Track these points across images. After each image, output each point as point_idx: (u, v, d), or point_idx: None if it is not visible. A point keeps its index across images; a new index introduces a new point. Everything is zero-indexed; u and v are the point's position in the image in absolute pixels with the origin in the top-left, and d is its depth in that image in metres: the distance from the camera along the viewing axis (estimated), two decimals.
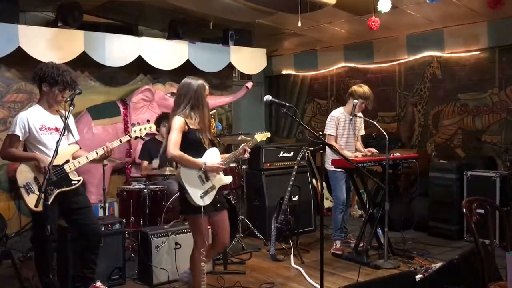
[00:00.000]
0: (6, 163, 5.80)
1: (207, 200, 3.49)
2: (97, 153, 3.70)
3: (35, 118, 3.59)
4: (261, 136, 4.01)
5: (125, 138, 3.92)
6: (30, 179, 3.51)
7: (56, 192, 3.55)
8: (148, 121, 4.60)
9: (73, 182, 3.67)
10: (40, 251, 3.64)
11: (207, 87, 3.60)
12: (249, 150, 3.73)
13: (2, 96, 5.90)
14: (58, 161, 3.55)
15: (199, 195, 3.44)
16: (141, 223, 4.94)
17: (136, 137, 3.93)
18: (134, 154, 6.31)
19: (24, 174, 3.51)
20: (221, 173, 3.64)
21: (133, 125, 4.10)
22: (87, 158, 3.68)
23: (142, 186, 5.09)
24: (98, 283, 3.85)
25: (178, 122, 3.44)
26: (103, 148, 3.70)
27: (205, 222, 3.52)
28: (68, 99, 3.54)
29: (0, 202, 5.83)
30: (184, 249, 4.25)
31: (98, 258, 3.87)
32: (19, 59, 5.58)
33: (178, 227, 4.40)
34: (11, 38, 5.24)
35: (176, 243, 4.29)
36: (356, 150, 5.18)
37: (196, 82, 3.55)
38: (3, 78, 5.91)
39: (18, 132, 3.53)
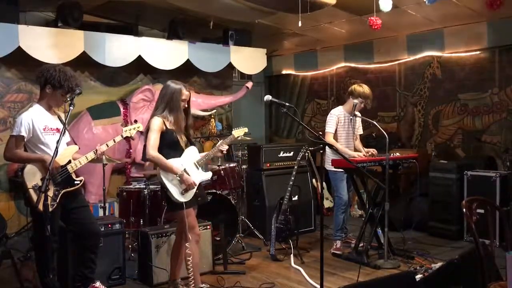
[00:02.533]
0: (6, 163, 5.80)
1: (189, 196, 3.67)
2: (94, 153, 3.74)
3: (38, 119, 3.58)
4: (239, 132, 4.08)
5: (118, 138, 3.97)
6: (38, 181, 3.50)
7: (62, 192, 3.58)
8: (135, 121, 4.71)
9: (76, 182, 3.71)
10: (40, 251, 3.64)
11: (184, 91, 3.73)
12: (226, 147, 3.89)
13: (2, 96, 5.90)
14: (61, 162, 3.59)
15: (179, 192, 3.63)
16: (141, 223, 4.94)
17: (126, 137, 4.01)
18: (134, 154, 6.32)
19: (31, 175, 3.50)
20: (200, 169, 3.81)
21: (122, 125, 4.20)
22: (86, 158, 3.71)
23: (142, 186, 5.10)
24: (97, 283, 3.85)
25: (156, 123, 3.65)
26: (94, 151, 3.74)
27: (191, 214, 3.72)
28: (68, 99, 3.55)
29: (0, 202, 5.83)
30: None
31: (98, 258, 3.87)
32: (19, 59, 5.58)
33: None
34: (11, 38, 5.24)
35: None
36: (355, 149, 5.18)
37: (174, 86, 3.74)
38: (3, 78, 5.91)
39: (23, 132, 3.51)
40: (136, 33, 6.55)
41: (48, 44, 5.48)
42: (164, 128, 3.66)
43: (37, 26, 5.59)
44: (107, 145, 3.82)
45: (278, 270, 4.70)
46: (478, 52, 6.14)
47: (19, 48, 5.31)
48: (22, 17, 5.68)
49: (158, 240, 4.25)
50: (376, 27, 5.07)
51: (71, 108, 3.49)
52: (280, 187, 5.44)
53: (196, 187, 3.71)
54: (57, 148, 3.28)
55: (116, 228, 4.26)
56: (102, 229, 4.06)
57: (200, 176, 3.81)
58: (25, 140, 3.55)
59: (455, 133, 6.43)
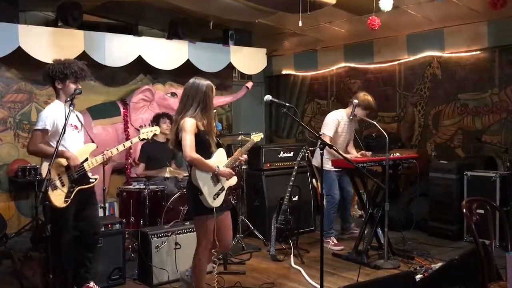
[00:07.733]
0: (6, 163, 5.81)
1: (219, 201, 3.52)
2: (114, 151, 3.85)
3: (60, 114, 3.59)
4: (257, 137, 4.05)
5: (135, 140, 4.03)
6: (54, 176, 3.52)
7: (76, 189, 3.62)
8: (153, 124, 4.83)
9: (91, 180, 3.76)
10: (54, 250, 3.67)
11: (214, 88, 3.60)
12: (247, 153, 3.79)
13: (2, 96, 5.90)
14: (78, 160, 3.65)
15: (212, 197, 3.47)
16: (141, 223, 4.94)
17: (144, 139, 4.07)
18: (134, 154, 6.32)
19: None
20: None
21: (141, 127, 4.27)
22: (102, 156, 3.76)
23: (142, 186, 5.10)
24: (91, 284, 3.85)
25: (190, 124, 3.40)
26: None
27: (213, 222, 3.53)
28: (68, 99, 3.55)
29: (0, 202, 5.83)
30: (184, 249, 4.26)
31: (98, 258, 3.88)
32: (19, 59, 5.58)
33: (178, 227, 4.40)
34: (11, 38, 5.24)
35: (176, 243, 4.29)
36: (347, 152, 5.29)
37: (204, 83, 3.54)
38: (3, 78, 5.91)
39: (48, 126, 3.54)
40: (136, 33, 6.56)
41: (48, 44, 5.48)
42: (197, 130, 3.42)
43: (37, 25, 5.59)
44: (124, 145, 3.94)
45: (278, 270, 4.70)
46: (478, 52, 6.13)
47: (19, 48, 5.31)
48: (22, 16, 5.68)
49: (158, 240, 4.24)
50: (373, 27, 5.07)
51: (71, 108, 3.50)
52: (280, 187, 5.44)
53: (225, 191, 3.58)
54: (57, 147, 3.31)
55: (116, 228, 4.26)
56: (102, 229, 4.07)
57: (228, 182, 3.62)
58: (49, 134, 3.58)
59: (455, 133, 6.43)
